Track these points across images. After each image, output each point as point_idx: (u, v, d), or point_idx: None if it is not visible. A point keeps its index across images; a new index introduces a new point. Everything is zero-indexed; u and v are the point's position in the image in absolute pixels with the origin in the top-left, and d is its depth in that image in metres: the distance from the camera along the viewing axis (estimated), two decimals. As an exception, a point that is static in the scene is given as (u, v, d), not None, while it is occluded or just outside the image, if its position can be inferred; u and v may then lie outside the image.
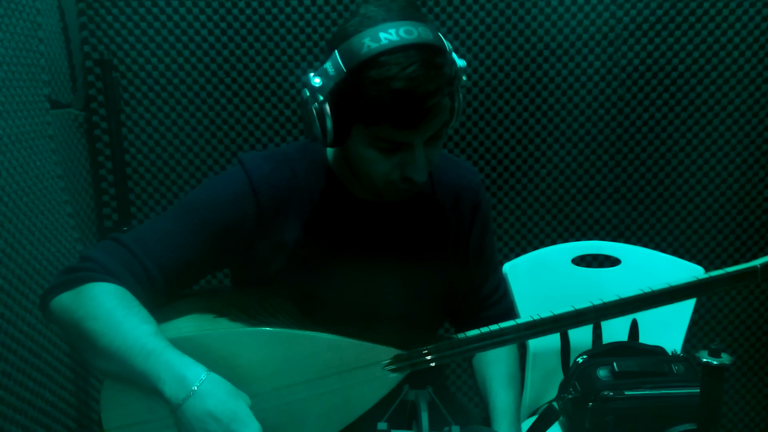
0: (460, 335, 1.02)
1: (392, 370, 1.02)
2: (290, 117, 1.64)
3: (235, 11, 1.56)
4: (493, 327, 1.01)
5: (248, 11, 1.57)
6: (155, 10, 1.55)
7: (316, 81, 0.90)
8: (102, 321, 0.91)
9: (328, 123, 0.92)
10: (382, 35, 0.87)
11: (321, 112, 0.91)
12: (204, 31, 1.57)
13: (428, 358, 1.02)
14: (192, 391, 0.87)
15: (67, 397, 1.32)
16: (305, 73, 0.95)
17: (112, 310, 0.91)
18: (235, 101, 1.62)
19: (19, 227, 1.21)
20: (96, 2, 1.53)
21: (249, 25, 1.58)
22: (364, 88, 0.88)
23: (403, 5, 0.92)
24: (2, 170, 1.17)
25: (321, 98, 0.90)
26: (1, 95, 1.18)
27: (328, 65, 0.89)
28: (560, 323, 1.02)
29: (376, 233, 1.10)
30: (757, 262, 0.97)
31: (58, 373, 1.30)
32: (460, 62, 0.94)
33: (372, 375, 1.02)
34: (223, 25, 1.57)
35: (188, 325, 1.02)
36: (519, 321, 1.01)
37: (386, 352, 1.02)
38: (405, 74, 0.86)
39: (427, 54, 0.88)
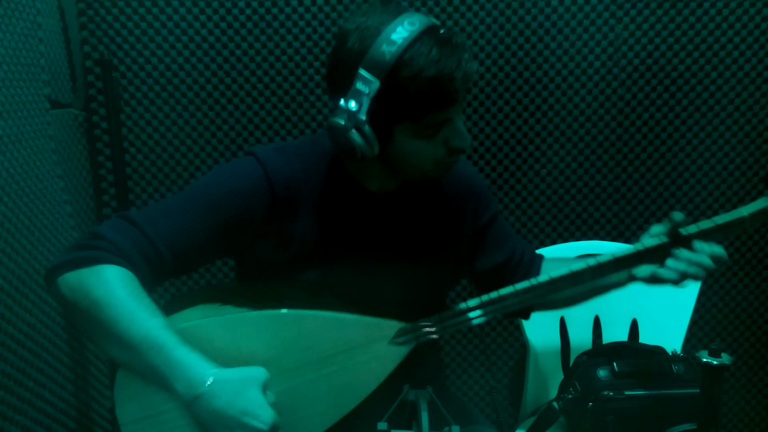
0: (462, 305, 1.05)
1: (398, 344, 1.04)
2: (290, 117, 1.64)
3: (235, 11, 1.56)
4: (493, 294, 1.05)
5: (248, 11, 1.57)
6: (155, 10, 1.55)
7: (352, 104, 0.94)
8: (115, 309, 0.91)
9: (372, 138, 0.96)
10: (394, 37, 0.91)
11: (362, 132, 0.95)
12: (204, 31, 1.57)
13: (433, 329, 1.05)
14: (202, 389, 0.88)
15: (67, 397, 1.32)
16: (324, 112, 0.98)
17: (125, 299, 0.92)
18: (235, 101, 1.62)
19: (19, 227, 1.21)
20: (96, 2, 1.53)
21: (249, 25, 1.58)
22: (404, 87, 0.93)
23: (379, 7, 0.96)
24: (2, 170, 1.17)
25: (363, 118, 0.94)
26: (1, 95, 1.18)
27: (358, 85, 0.93)
28: (556, 284, 1.06)
29: (387, 225, 1.12)
30: (744, 211, 0.99)
31: (58, 373, 1.30)
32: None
33: (379, 351, 1.03)
34: (223, 25, 1.57)
35: (195, 314, 1.02)
36: (518, 286, 1.05)
37: (391, 326, 1.05)
38: (431, 59, 0.91)
39: (436, 34, 0.93)
